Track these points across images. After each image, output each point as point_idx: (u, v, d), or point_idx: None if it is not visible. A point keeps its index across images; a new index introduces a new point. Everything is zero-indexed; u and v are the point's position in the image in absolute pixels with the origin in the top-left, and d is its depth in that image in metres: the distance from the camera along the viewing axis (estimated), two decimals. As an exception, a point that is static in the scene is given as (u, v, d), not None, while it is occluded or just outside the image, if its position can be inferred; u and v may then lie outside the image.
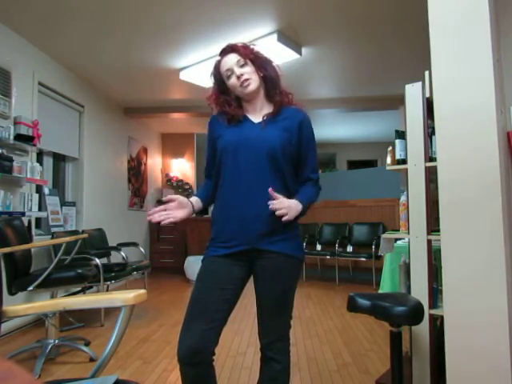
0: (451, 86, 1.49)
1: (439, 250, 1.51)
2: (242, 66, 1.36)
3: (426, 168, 1.84)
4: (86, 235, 3.17)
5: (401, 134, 2.02)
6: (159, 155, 7.20)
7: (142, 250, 4.79)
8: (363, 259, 5.21)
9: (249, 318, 3.52)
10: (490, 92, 1.40)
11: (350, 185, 6.09)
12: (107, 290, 3.73)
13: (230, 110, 1.40)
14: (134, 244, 4.69)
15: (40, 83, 3.72)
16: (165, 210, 1.30)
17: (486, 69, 1.41)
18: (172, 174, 7.14)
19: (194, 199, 1.41)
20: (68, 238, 2.56)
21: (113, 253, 4.30)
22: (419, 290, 1.80)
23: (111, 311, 3.51)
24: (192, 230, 5.95)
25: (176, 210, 1.32)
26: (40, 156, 3.96)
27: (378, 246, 4.32)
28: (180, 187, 7.10)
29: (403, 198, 2.02)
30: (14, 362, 0.38)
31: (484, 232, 1.39)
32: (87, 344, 2.79)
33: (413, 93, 1.89)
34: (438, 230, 1.54)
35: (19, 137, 3.22)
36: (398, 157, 2.03)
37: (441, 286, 1.58)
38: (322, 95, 5.28)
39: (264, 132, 1.36)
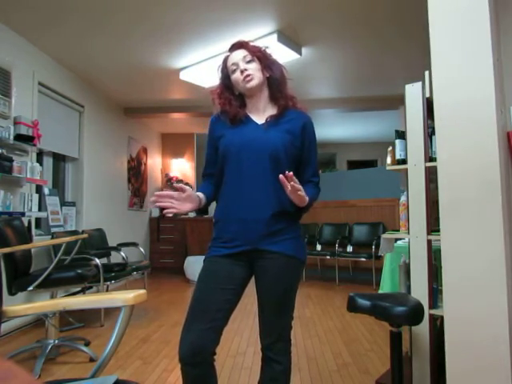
0: (451, 86, 1.49)
1: (439, 250, 1.51)
2: (248, 62, 1.36)
3: (426, 168, 1.84)
4: (85, 235, 3.16)
5: (401, 134, 2.02)
6: (159, 155, 7.20)
7: (142, 250, 4.79)
8: (363, 259, 5.21)
9: (249, 318, 3.52)
10: (490, 92, 1.40)
11: (350, 185, 6.09)
12: (107, 290, 3.73)
13: (231, 109, 1.39)
14: (134, 244, 4.69)
15: (40, 83, 3.72)
16: (172, 197, 1.26)
17: (486, 68, 1.41)
18: (172, 174, 7.14)
19: (201, 195, 1.38)
20: (68, 238, 2.56)
21: (113, 253, 4.29)
22: (419, 290, 1.80)
23: (111, 311, 3.51)
24: (192, 230, 5.95)
25: (183, 201, 1.28)
26: (40, 156, 3.96)
27: (378, 246, 4.32)
28: (180, 187, 7.08)
29: (403, 198, 2.02)
30: (14, 362, 0.38)
31: (484, 232, 1.39)
32: (87, 344, 2.79)
33: (413, 93, 1.89)
34: (438, 230, 1.54)
35: (19, 137, 3.22)
36: (398, 157, 2.03)
37: (441, 286, 1.58)
38: (322, 95, 5.28)
39: (267, 134, 1.36)
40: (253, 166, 1.33)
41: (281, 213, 1.33)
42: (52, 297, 2.96)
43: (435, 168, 1.56)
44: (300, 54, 3.75)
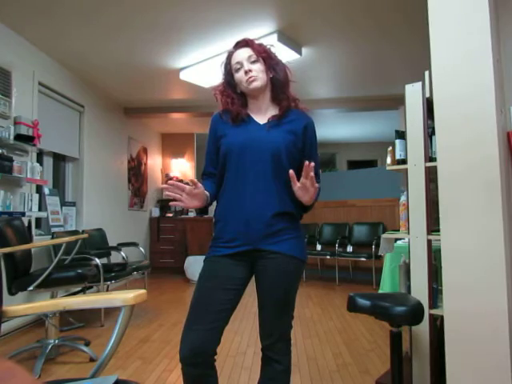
0: (451, 86, 1.49)
1: (439, 250, 1.51)
2: (252, 62, 1.35)
3: (426, 168, 1.84)
4: (86, 235, 3.16)
5: (401, 134, 2.02)
6: (159, 155, 7.20)
7: (142, 250, 4.79)
8: (363, 259, 5.21)
9: (249, 318, 3.52)
10: (490, 92, 1.40)
11: (350, 185, 6.09)
12: (107, 290, 3.73)
13: (233, 108, 1.39)
14: (134, 244, 4.69)
15: (40, 83, 3.72)
16: (183, 190, 1.25)
17: (486, 68, 1.41)
18: (172, 174, 7.14)
19: (207, 193, 1.35)
20: (68, 238, 2.56)
21: (113, 253, 4.29)
22: (419, 290, 1.80)
23: (111, 311, 3.51)
24: (192, 230, 5.95)
25: (193, 197, 1.27)
26: (40, 156, 3.96)
27: (378, 246, 4.31)
28: (180, 187, 7.09)
29: (403, 198, 2.02)
30: (14, 362, 0.38)
31: (484, 232, 1.39)
32: (87, 344, 2.79)
33: (413, 93, 1.89)
34: (438, 230, 1.54)
35: (19, 137, 3.22)
36: (398, 157, 2.03)
37: (441, 285, 1.58)
38: (322, 95, 5.28)
39: (269, 134, 1.36)
40: (254, 166, 1.33)
41: (282, 213, 1.33)
42: (52, 297, 2.96)
43: (435, 168, 1.56)
44: (300, 54, 3.75)
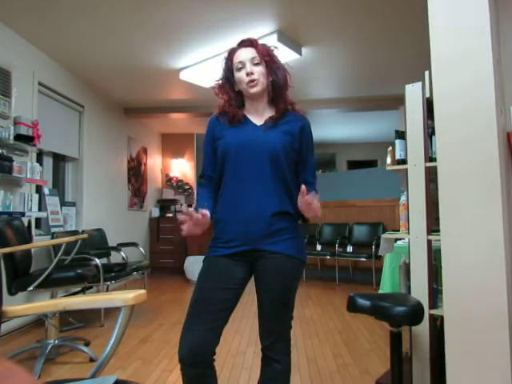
0: (451, 86, 1.49)
1: (439, 250, 1.51)
2: (255, 64, 1.35)
3: (426, 168, 1.84)
4: (85, 235, 3.16)
5: (401, 134, 2.02)
6: (159, 155, 7.20)
7: (142, 250, 4.79)
8: (363, 259, 5.21)
9: (249, 318, 3.52)
10: (490, 92, 1.40)
11: (350, 185, 6.09)
12: (107, 290, 3.73)
13: (230, 109, 1.40)
14: (134, 244, 4.69)
15: (40, 83, 3.72)
16: (191, 217, 1.26)
17: (486, 68, 1.41)
18: (172, 174, 7.14)
19: (208, 215, 1.35)
20: (68, 238, 2.56)
21: (113, 253, 4.30)
22: (419, 290, 1.80)
23: (111, 311, 3.51)
24: (192, 230, 5.94)
25: (197, 225, 1.29)
26: (40, 156, 3.96)
27: (378, 246, 4.32)
28: (180, 187, 7.10)
29: (403, 198, 2.02)
30: (14, 362, 0.38)
31: (484, 232, 1.39)
32: (87, 344, 2.79)
33: (413, 93, 1.89)
34: (438, 230, 1.54)
35: (19, 137, 3.22)
36: (398, 157, 2.03)
37: (441, 285, 1.58)
38: (322, 95, 5.28)
39: (266, 134, 1.36)
40: (252, 167, 1.33)
41: (280, 213, 1.34)
42: (52, 297, 2.96)
43: (435, 168, 1.56)
44: (300, 54, 3.75)
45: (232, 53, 1.40)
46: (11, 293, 2.52)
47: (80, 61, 4.03)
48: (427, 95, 1.85)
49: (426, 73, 1.86)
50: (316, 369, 2.40)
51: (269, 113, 1.41)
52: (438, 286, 1.80)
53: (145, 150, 6.50)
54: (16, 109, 3.34)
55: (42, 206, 3.74)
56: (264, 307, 1.38)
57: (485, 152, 1.40)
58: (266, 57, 1.37)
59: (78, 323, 3.33)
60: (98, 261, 3.36)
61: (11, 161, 3.11)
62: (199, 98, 5.11)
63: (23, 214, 3.18)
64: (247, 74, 1.34)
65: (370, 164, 8.40)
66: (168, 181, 7.13)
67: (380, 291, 2.37)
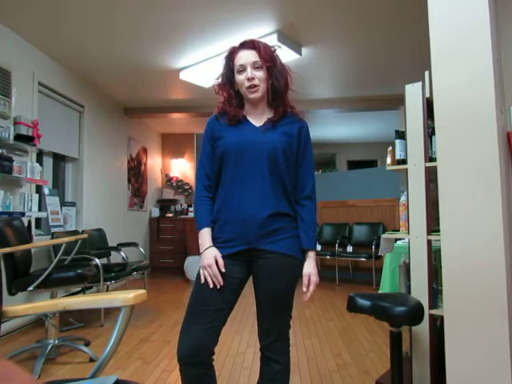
0: (451, 86, 1.49)
1: (439, 250, 1.51)
2: (256, 69, 1.33)
3: (426, 168, 1.84)
4: (85, 235, 3.16)
5: (401, 134, 2.02)
6: (159, 155, 7.20)
7: (142, 250, 4.79)
8: (363, 259, 5.21)
9: (249, 318, 3.52)
10: (490, 92, 1.40)
11: (350, 185, 6.08)
12: (107, 290, 3.73)
13: (230, 109, 1.40)
14: (134, 244, 4.69)
15: (40, 83, 3.72)
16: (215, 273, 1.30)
17: (486, 69, 1.41)
18: (172, 174, 7.14)
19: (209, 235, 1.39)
20: (68, 238, 2.56)
21: (113, 253, 4.29)
22: (419, 290, 1.80)
23: (111, 311, 3.51)
24: (192, 230, 5.95)
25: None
26: (40, 156, 3.96)
27: (378, 246, 4.32)
28: (180, 187, 7.10)
29: (403, 198, 2.02)
30: (14, 362, 0.38)
31: (484, 232, 1.39)
32: (87, 344, 2.79)
33: (413, 93, 1.89)
34: (438, 230, 1.54)
35: (19, 137, 3.22)
36: (398, 157, 2.02)
37: (441, 286, 1.58)
38: (322, 95, 5.28)
39: (265, 136, 1.37)
40: (251, 167, 1.34)
41: (278, 213, 1.35)
42: (52, 297, 2.96)
43: (435, 168, 1.55)
44: (300, 54, 3.75)
45: (233, 53, 1.38)
46: (11, 293, 2.53)
47: (80, 61, 4.03)
48: (427, 95, 1.85)
49: (426, 73, 1.86)
50: (316, 369, 2.40)
51: (268, 114, 1.42)
52: (438, 286, 1.80)
53: (145, 150, 6.50)
54: (16, 109, 3.34)
55: (42, 206, 3.74)
56: (262, 307, 1.38)
57: (485, 152, 1.40)
58: (268, 62, 1.35)
59: (78, 323, 3.33)
60: (97, 261, 3.36)
61: (11, 161, 3.11)
62: (199, 97, 5.11)
63: (23, 214, 3.18)
64: (248, 79, 1.33)
65: (370, 164, 8.40)
66: (168, 181, 7.13)
67: (380, 291, 2.37)
